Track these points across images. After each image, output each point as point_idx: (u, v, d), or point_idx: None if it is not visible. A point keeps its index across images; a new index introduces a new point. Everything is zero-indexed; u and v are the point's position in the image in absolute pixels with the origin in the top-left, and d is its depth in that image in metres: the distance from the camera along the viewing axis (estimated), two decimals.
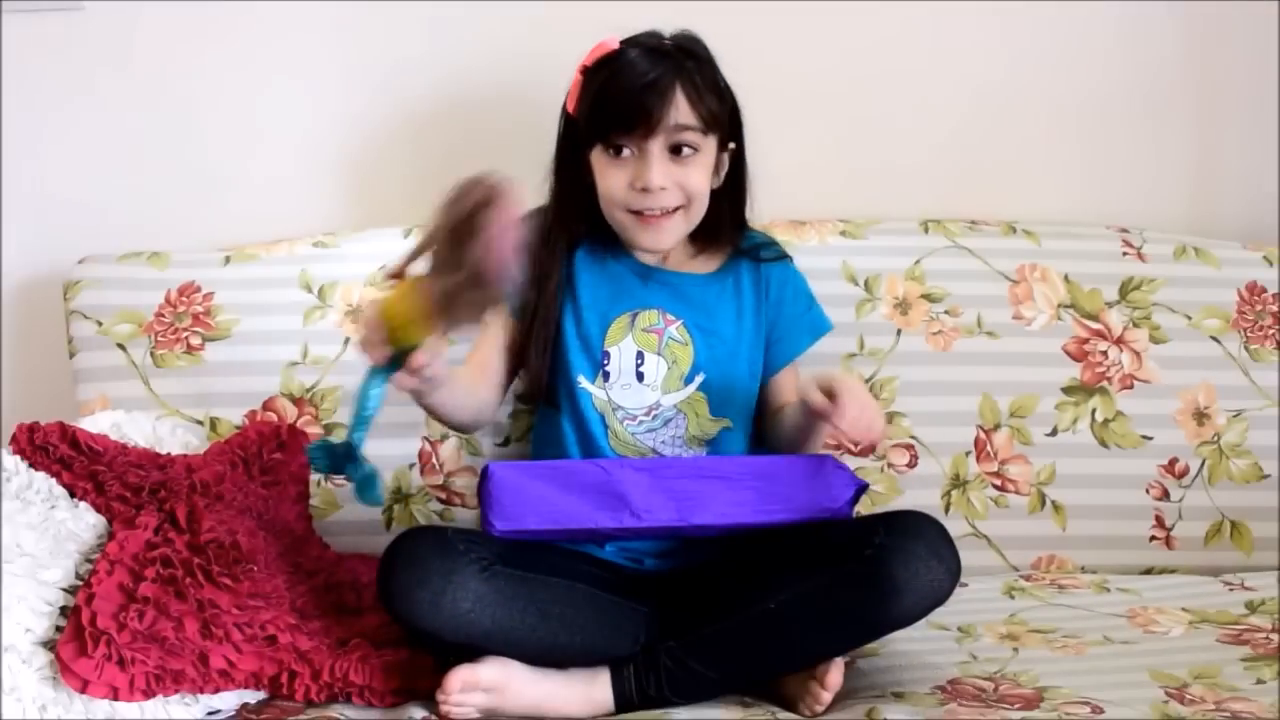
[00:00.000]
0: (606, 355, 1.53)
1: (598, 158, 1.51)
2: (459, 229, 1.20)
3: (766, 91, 1.86)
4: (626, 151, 1.48)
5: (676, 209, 1.51)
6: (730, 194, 1.57)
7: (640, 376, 1.52)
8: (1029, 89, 1.92)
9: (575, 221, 1.56)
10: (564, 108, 1.56)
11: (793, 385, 1.57)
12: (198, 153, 1.90)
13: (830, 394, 1.36)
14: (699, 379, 1.53)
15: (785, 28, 1.88)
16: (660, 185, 1.47)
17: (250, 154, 1.90)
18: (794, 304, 1.60)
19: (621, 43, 1.51)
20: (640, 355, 1.53)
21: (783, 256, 1.62)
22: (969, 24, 1.90)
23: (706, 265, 1.59)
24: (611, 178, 1.50)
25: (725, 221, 1.57)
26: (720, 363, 1.53)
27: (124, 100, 1.88)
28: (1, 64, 1.86)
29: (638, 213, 1.50)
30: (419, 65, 1.88)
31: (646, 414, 1.52)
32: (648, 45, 1.50)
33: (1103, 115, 1.93)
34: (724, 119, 1.52)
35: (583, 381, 1.53)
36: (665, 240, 1.53)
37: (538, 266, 1.52)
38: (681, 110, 1.47)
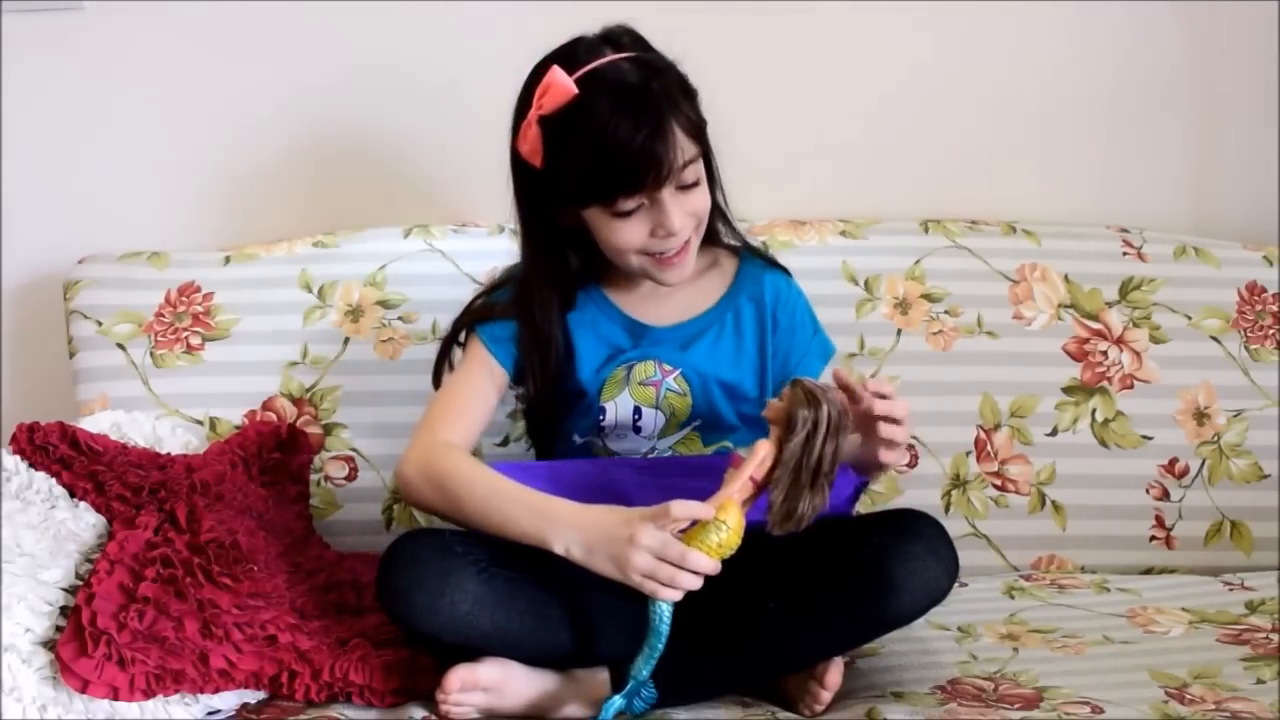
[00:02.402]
0: (602, 411, 1.49)
1: (598, 215, 1.41)
2: (808, 449, 1.25)
3: (766, 92, 1.87)
4: (633, 205, 1.39)
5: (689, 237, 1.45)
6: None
7: (637, 430, 1.49)
8: (1029, 89, 1.93)
9: (564, 280, 1.48)
10: (517, 153, 1.43)
11: None
12: (198, 153, 1.90)
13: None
14: (696, 423, 1.50)
15: (785, 28, 1.88)
16: (680, 226, 1.41)
17: (250, 153, 1.90)
18: (803, 330, 1.55)
19: (577, 81, 1.36)
20: (638, 410, 1.48)
21: (779, 268, 1.56)
22: (969, 24, 1.90)
23: (701, 298, 1.52)
24: (626, 232, 1.40)
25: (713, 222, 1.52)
26: (719, 407, 1.49)
27: (124, 100, 1.88)
28: (1, 64, 1.86)
29: (654, 254, 1.43)
30: (419, 63, 1.88)
31: (641, 458, 1.50)
32: (613, 81, 1.37)
33: (1103, 115, 1.93)
34: (704, 126, 1.43)
35: (577, 439, 1.51)
36: (687, 271, 1.46)
37: (537, 337, 1.47)
38: (684, 147, 1.37)
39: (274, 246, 1.83)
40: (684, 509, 1.26)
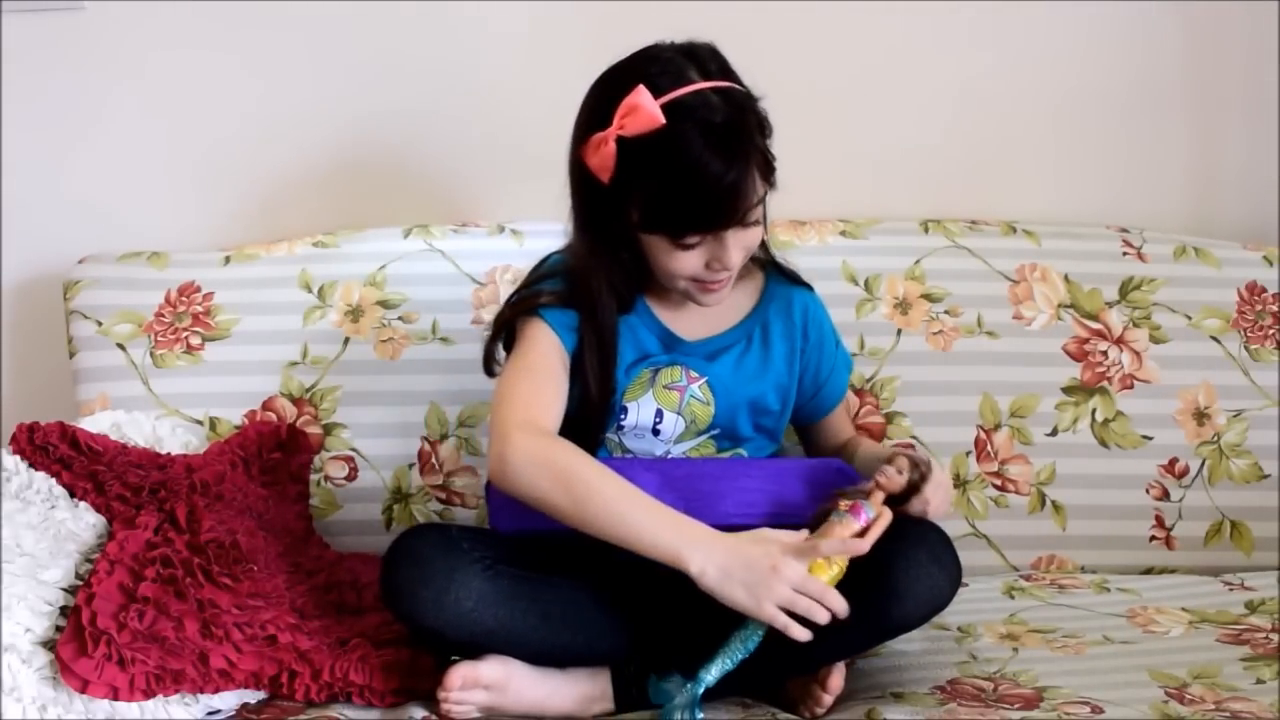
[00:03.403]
0: (624, 410, 1.48)
1: (659, 241, 1.39)
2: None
3: (765, 92, 1.86)
4: (699, 240, 1.38)
5: None
6: None
7: (656, 432, 1.48)
8: (1029, 89, 1.93)
9: (621, 285, 1.45)
10: (583, 164, 1.40)
11: (845, 419, 1.62)
12: (198, 153, 1.90)
13: (918, 478, 1.38)
14: (714, 433, 1.50)
15: (785, 28, 1.88)
16: (738, 262, 1.41)
17: (250, 154, 1.90)
18: (829, 344, 1.57)
19: (664, 108, 1.33)
20: (659, 413, 1.48)
21: (806, 286, 1.57)
22: (969, 24, 1.90)
23: (732, 312, 1.52)
24: (683, 262, 1.40)
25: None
26: (739, 419, 1.50)
27: (124, 100, 1.88)
28: (1, 64, 1.86)
29: (701, 280, 1.43)
30: (420, 63, 1.88)
31: (654, 459, 1.49)
32: (702, 118, 1.34)
33: (1103, 115, 1.93)
34: (774, 165, 1.41)
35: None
36: (725, 296, 1.47)
37: (601, 338, 1.44)
38: (757, 189, 1.37)
39: (274, 246, 1.83)
40: (834, 548, 1.29)
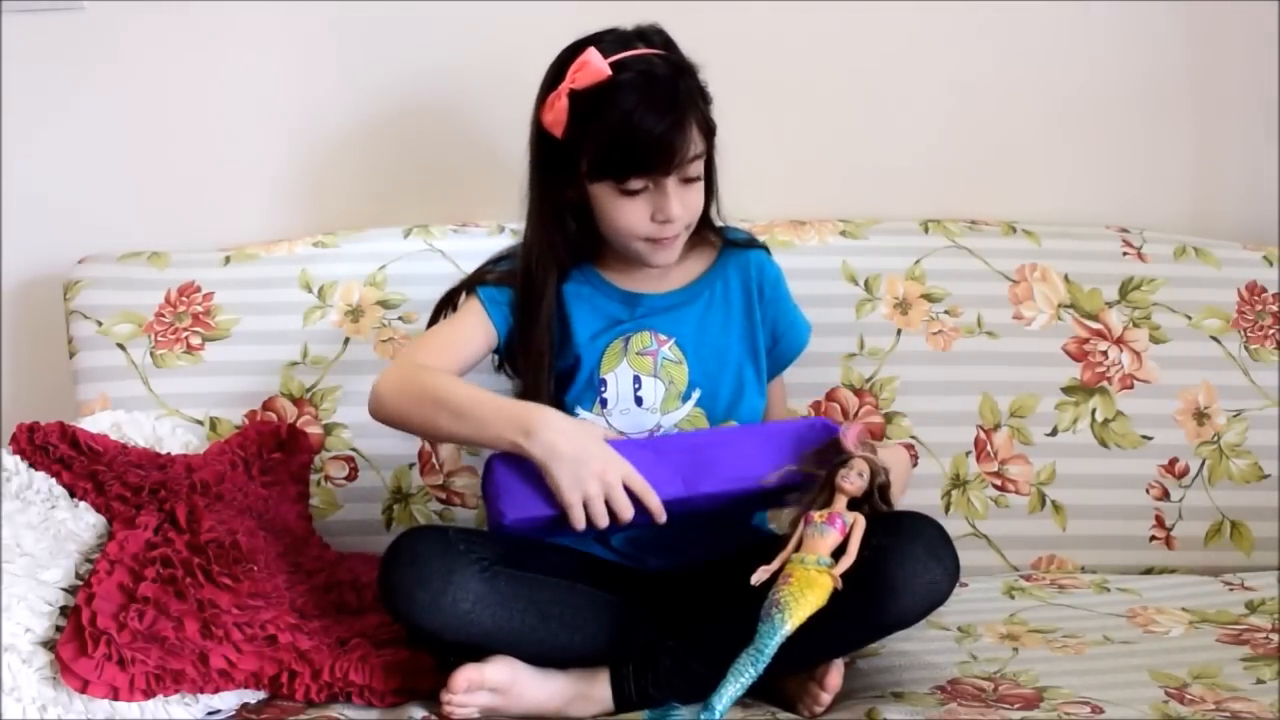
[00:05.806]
0: (603, 383, 1.51)
1: (605, 192, 1.46)
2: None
3: (766, 92, 1.87)
4: (640, 186, 1.45)
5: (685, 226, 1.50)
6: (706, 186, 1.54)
7: (639, 401, 1.50)
8: (1029, 89, 1.92)
9: (562, 249, 1.52)
10: (540, 124, 1.49)
11: (780, 391, 1.65)
12: (198, 153, 1.90)
13: (884, 483, 1.37)
14: (696, 395, 1.52)
15: (785, 27, 1.88)
16: (679, 215, 1.46)
17: (250, 153, 1.90)
18: (785, 303, 1.60)
19: (611, 65, 1.44)
20: (637, 380, 1.51)
21: (761, 246, 1.61)
22: (969, 24, 1.90)
23: (689, 273, 1.57)
24: (629, 213, 1.46)
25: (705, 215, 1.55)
26: (715, 375, 1.52)
27: (124, 100, 1.88)
28: (1, 64, 1.86)
29: (648, 238, 1.48)
30: (418, 64, 1.88)
31: (647, 437, 1.50)
32: (644, 71, 1.44)
33: (1102, 115, 1.93)
34: (714, 130, 1.50)
35: (581, 412, 1.51)
36: (675, 254, 1.51)
37: (531, 303, 1.51)
38: (695, 142, 1.44)
39: (274, 246, 1.83)
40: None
